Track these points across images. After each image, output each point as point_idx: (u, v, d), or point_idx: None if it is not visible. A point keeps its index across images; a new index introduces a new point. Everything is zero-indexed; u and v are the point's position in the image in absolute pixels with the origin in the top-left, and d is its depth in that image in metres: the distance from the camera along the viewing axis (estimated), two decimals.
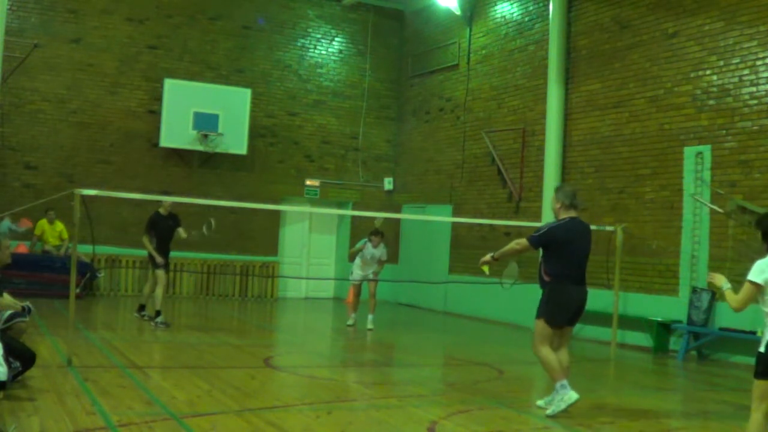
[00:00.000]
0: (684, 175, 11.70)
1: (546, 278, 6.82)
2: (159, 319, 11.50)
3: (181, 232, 11.89)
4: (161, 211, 11.79)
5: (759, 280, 4.78)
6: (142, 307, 12.19)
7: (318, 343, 12.23)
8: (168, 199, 11.64)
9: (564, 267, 6.74)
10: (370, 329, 12.38)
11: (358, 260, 12.73)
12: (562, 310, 6.76)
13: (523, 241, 6.93)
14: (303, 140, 18.24)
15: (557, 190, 7.13)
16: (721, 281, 4.95)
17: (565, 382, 6.59)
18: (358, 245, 12.86)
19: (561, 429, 6.40)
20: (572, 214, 6.91)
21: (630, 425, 6.71)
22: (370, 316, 12.53)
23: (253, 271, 17.25)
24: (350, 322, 12.89)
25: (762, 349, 4.69)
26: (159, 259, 11.66)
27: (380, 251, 12.63)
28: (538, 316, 6.84)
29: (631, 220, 12.21)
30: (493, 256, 7.03)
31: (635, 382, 9.32)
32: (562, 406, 6.55)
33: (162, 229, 11.75)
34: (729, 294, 4.83)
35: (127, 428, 5.52)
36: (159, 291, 11.66)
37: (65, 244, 14.87)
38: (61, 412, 5.87)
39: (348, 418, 6.66)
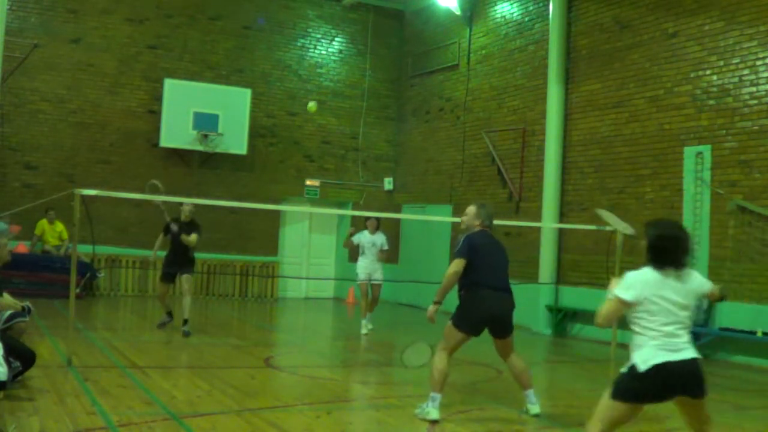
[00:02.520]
0: (684, 175, 11.70)
1: (461, 289, 6.59)
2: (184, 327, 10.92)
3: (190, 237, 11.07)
4: (182, 217, 11.10)
5: (628, 297, 4.14)
6: (184, 322, 10.99)
7: (318, 343, 12.22)
8: (169, 199, 11.21)
9: (478, 275, 6.47)
10: (368, 331, 12.07)
11: (360, 257, 12.23)
12: (476, 316, 6.48)
13: (454, 263, 6.47)
14: (303, 140, 18.24)
15: (481, 207, 6.87)
16: (611, 287, 4.34)
17: (437, 396, 6.36)
18: (354, 239, 12.17)
19: (561, 429, 6.40)
20: (485, 228, 6.79)
21: (630, 425, 6.70)
22: (368, 315, 12.14)
23: (253, 271, 17.25)
24: (364, 330, 12.00)
25: (624, 369, 4.18)
26: (152, 258, 11.35)
27: (379, 238, 12.17)
28: (450, 319, 6.61)
29: (631, 220, 12.18)
30: (434, 302, 6.49)
31: None
32: (421, 416, 6.39)
33: (176, 234, 11.00)
34: (604, 305, 4.29)
35: (127, 428, 5.52)
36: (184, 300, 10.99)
37: (65, 244, 14.87)
38: (61, 412, 5.87)
39: (348, 418, 6.67)
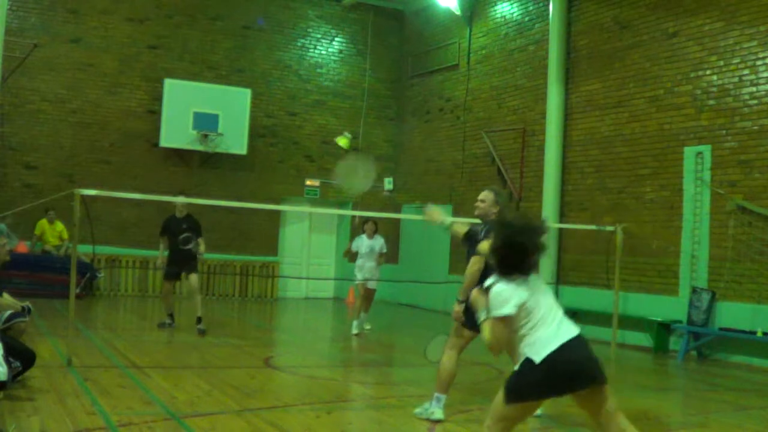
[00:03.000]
0: (684, 175, 11.70)
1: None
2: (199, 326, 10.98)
3: (201, 244, 11.03)
4: (177, 213, 11.15)
5: (508, 311, 3.93)
6: (198, 320, 11.13)
7: (318, 343, 12.22)
8: (169, 199, 11.24)
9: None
10: (367, 329, 12.07)
11: (359, 260, 12.01)
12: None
13: (477, 260, 6.18)
14: (303, 140, 18.24)
15: (498, 193, 6.66)
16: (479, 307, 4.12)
17: (442, 397, 6.28)
18: (352, 247, 12.12)
19: (561, 429, 6.39)
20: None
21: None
22: (365, 315, 12.04)
23: (253, 271, 17.25)
24: (356, 330, 11.83)
25: (516, 366, 3.98)
26: (158, 262, 11.36)
27: (378, 242, 12.00)
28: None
29: (631, 220, 12.20)
30: (459, 301, 6.27)
31: (635, 382, 9.31)
32: (423, 415, 6.34)
33: (172, 233, 11.02)
34: (485, 328, 4.04)
35: (127, 428, 5.52)
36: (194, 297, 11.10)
37: (65, 244, 14.86)
38: (61, 412, 5.86)
39: (348, 418, 6.67)
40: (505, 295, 3.93)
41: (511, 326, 3.98)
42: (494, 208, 6.49)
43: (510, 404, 3.92)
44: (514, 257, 3.97)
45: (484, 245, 5.89)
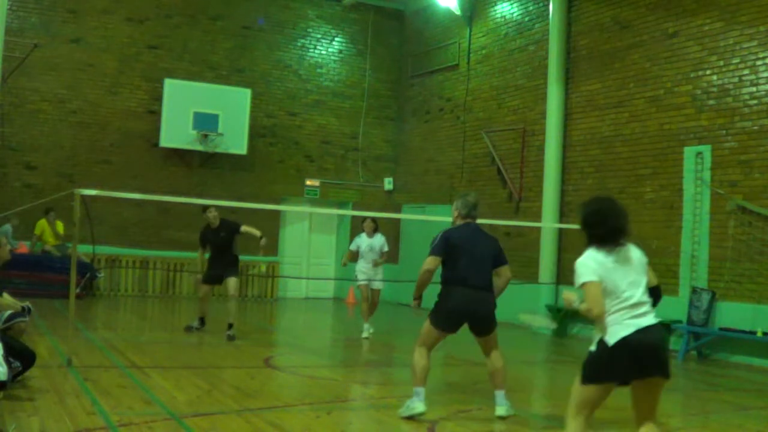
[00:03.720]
0: (684, 175, 11.70)
1: (441, 285, 6.52)
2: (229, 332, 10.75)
3: (252, 231, 10.84)
4: (210, 224, 10.89)
5: (595, 277, 4.11)
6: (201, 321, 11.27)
7: (318, 343, 12.22)
8: (170, 199, 10.99)
9: (452, 272, 6.39)
10: (370, 332, 11.76)
11: (360, 261, 11.69)
12: (448, 313, 6.38)
13: (427, 260, 6.39)
14: (303, 140, 18.24)
15: (460, 197, 6.80)
16: (573, 298, 4.24)
17: (420, 390, 6.30)
18: (352, 246, 11.91)
19: (561, 429, 6.38)
20: (468, 221, 6.70)
21: (630, 425, 6.70)
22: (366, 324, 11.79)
23: (253, 271, 17.24)
24: (365, 334, 11.53)
25: (593, 347, 4.12)
26: (199, 267, 11.26)
27: (378, 241, 11.70)
28: (428, 315, 6.54)
29: (631, 220, 12.17)
30: (414, 298, 6.63)
31: None
32: (406, 413, 6.29)
33: (212, 242, 10.91)
34: (584, 306, 4.17)
35: (127, 428, 5.52)
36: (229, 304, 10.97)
37: (63, 241, 14.81)
38: (61, 412, 5.86)
39: (348, 418, 6.67)
40: (591, 264, 4.15)
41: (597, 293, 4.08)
42: (454, 213, 6.74)
43: (586, 385, 4.11)
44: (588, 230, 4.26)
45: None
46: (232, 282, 10.81)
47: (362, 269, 11.66)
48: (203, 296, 11.19)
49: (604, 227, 4.23)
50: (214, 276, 10.94)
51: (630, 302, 4.09)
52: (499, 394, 6.52)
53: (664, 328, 4.19)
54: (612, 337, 4.04)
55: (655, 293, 4.35)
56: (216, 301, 16.32)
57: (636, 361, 4.00)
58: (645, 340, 4.02)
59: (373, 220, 11.90)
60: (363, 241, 11.72)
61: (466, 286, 6.36)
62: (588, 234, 4.27)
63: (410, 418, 6.26)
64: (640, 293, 4.14)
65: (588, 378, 4.12)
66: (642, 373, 4.05)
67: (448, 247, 6.41)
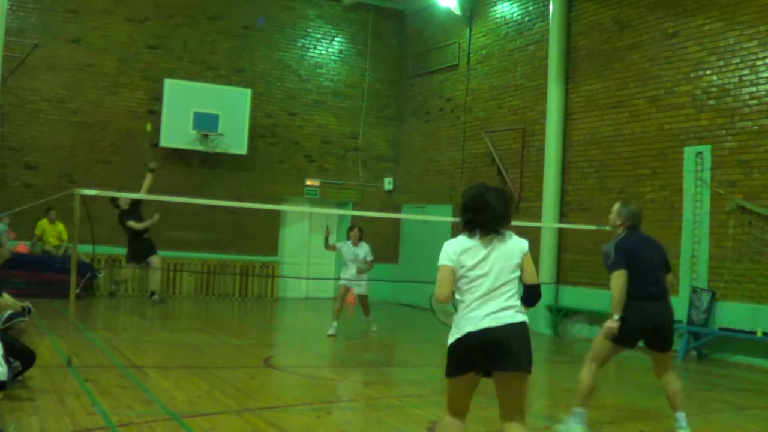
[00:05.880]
0: (684, 175, 11.70)
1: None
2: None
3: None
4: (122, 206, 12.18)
5: (446, 262, 4.16)
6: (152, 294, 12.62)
7: (318, 343, 12.21)
8: (170, 199, 11.13)
9: (634, 283, 5.99)
10: (373, 330, 12.02)
11: (342, 268, 11.91)
12: (632, 327, 5.98)
13: (616, 276, 6.00)
14: (303, 140, 18.24)
15: (623, 205, 6.34)
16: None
17: (581, 411, 6.01)
18: (333, 242, 11.87)
19: (557, 426, 6.38)
20: (634, 230, 6.30)
21: (630, 425, 6.72)
22: (366, 318, 12.08)
23: (253, 271, 17.25)
24: (331, 331, 11.67)
25: (450, 340, 4.13)
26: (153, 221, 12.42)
27: (363, 251, 11.67)
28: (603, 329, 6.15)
29: None
30: (614, 319, 6.01)
31: (635, 382, 9.31)
32: (563, 430, 6.12)
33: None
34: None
35: (127, 428, 5.52)
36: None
37: (64, 244, 14.85)
38: (61, 412, 5.87)
39: (348, 418, 6.67)
40: (444, 249, 4.26)
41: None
42: (617, 221, 6.25)
43: (448, 379, 4.28)
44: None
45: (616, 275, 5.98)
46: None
47: (345, 276, 11.78)
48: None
49: (486, 214, 4.21)
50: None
51: (482, 292, 4.11)
52: (681, 416, 6.05)
53: (522, 326, 4.15)
54: (458, 332, 4.10)
55: (529, 292, 4.31)
56: (211, 302, 16.38)
57: (480, 355, 4.06)
58: (491, 336, 4.03)
59: (360, 229, 11.89)
60: (348, 249, 11.74)
61: (648, 297, 6.05)
62: (463, 219, 4.27)
63: None
64: (498, 285, 4.13)
65: (447, 373, 4.24)
66: (490, 366, 4.09)
67: (629, 257, 6.05)
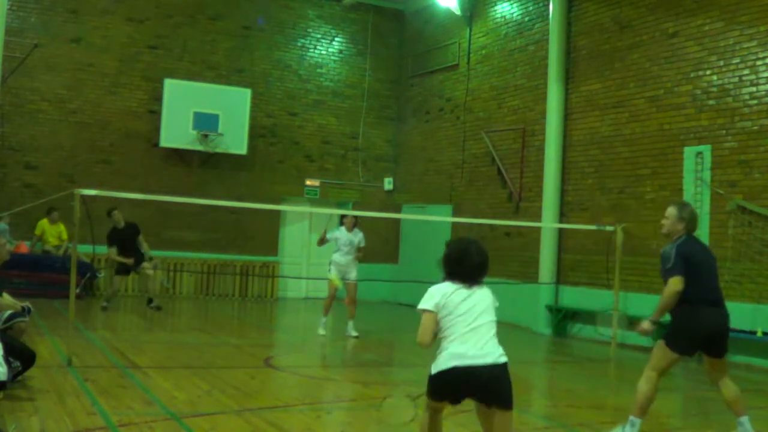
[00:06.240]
0: (684, 175, 11.70)
1: (680, 304, 5.88)
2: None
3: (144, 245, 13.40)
4: (117, 226, 13.12)
5: (430, 306, 4.31)
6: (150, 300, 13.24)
7: (318, 343, 12.21)
8: (171, 199, 11.16)
9: (693, 289, 5.78)
10: (355, 336, 11.60)
11: (335, 254, 11.67)
12: (695, 335, 5.84)
13: (673, 282, 5.75)
14: (303, 140, 18.24)
15: (682, 208, 6.07)
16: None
17: (637, 420, 5.85)
18: (328, 235, 11.70)
19: (561, 429, 6.39)
20: (691, 234, 6.04)
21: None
22: (350, 323, 11.75)
23: (253, 271, 17.25)
24: (321, 331, 11.71)
25: (433, 371, 4.27)
26: (129, 262, 13.16)
27: (357, 236, 11.61)
28: (662, 338, 6.00)
29: (631, 220, 12.21)
30: (651, 321, 5.89)
31: (635, 382, 9.29)
32: None
33: (120, 240, 13.11)
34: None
35: (127, 428, 5.52)
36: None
37: (64, 245, 14.84)
38: (61, 412, 5.87)
39: (348, 418, 6.67)
40: (433, 292, 4.38)
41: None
42: (679, 225, 5.99)
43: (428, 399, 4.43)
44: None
45: (675, 281, 5.73)
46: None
47: (338, 261, 11.61)
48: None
49: (464, 266, 4.39)
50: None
51: (466, 329, 4.23)
52: (745, 421, 5.94)
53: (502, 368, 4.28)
54: (442, 365, 4.22)
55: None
56: (211, 302, 16.40)
57: (463, 390, 4.25)
58: (478, 373, 4.16)
59: (354, 216, 11.84)
60: (342, 235, 11.63)
61: (710, 303, 5.87)
62: (447, 270, 4.45)
63: None
64: (482, 323, 4.26)
65: (428, 395, 4.40)
66: (479, 399, 4.27)
67: (686, 263, 5.82)
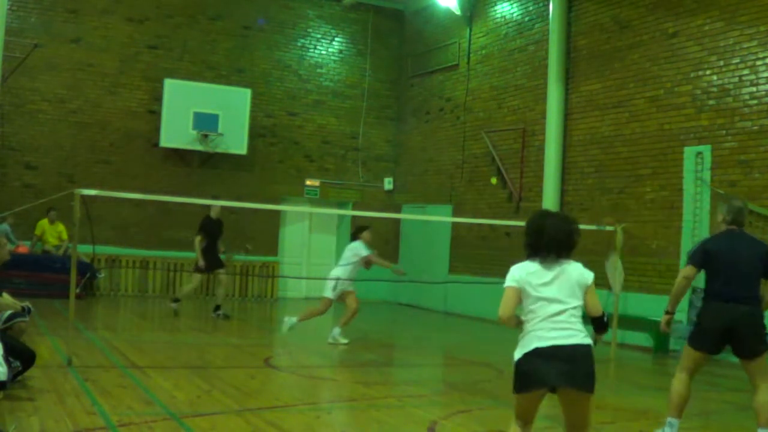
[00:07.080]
0: (684, 175, 11.70)
1: (703, 300, 6.02)
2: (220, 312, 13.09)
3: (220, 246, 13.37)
4: (211, 214, 13.14)
5: (510, 282, 4.27)
6: (217, 307, 13.27)
7: (318, 343, 12.21)
8: (171, 199, 11.10)
9: (711, 285, 5.86)
10: (343, 343, 11.05)
11: (349, 267, 10.98)
12: (703, 331, 5.90)
13: (684, 269, 5.99)
14: (303, 140, 18.24)
15: (725, 202, 6.18)
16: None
17: (674, 421, 5.85)
18: (366, 253, 10.91)
19: (561, 429, 6.39)
20: (732, 228, 6.00)
21: (630, 425, 6.72)
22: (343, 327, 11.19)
23: (253, 271, 17.25)
24: (286, 328, 11.13)
25: (517, 356, 4.23)
26: (201, 263, 12.85)
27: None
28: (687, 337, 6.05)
29: (631, 220, 12.22)
30: (667, 311, 6.01)
31: (635, 382, 9.32)
32: None
33: (211, 232, 13.06)
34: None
35: (127, 428, 5.52)
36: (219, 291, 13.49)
37: (64, 245, 14.84)
38: (61, 412, 5.87)
39: (348, 418, 6.67)
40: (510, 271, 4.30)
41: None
42: (718, 218, 6.05)
43: (516, 395, 4.28)
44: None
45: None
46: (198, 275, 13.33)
47: (352, 276, 11.03)
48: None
49: (543, 239, 4.27)
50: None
51: (548, 314, 4.18)
52: None
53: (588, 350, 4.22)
54: (525, 347, 4.18)
55: (595, 324, 4.42)
56: (212, 302, 16.35)
57: (547, 369, 4.12)
58: (560, 352, 4.11)
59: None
60: (364, 251, 10.95)
61: (723, 299, 5.80)
62: (528, 248, 4.35)
63: None
64: (564, 309, 4.20)
65: (515, 389, 4.25)
66: (558, 380, 4.13)
67: (706, 256, 5.88)
